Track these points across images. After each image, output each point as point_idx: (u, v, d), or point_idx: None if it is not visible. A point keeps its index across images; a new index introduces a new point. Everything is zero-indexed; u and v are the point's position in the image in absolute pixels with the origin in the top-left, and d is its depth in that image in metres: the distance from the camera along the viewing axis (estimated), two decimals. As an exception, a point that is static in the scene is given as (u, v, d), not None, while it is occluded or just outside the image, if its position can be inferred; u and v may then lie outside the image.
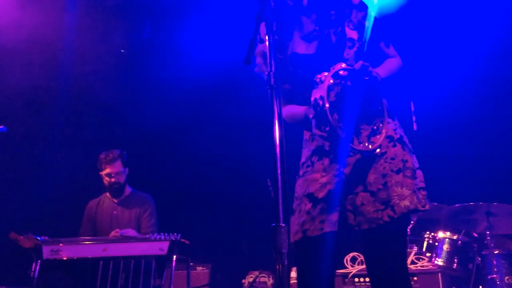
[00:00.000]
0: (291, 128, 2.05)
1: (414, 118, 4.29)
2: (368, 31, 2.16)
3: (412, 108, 4.34)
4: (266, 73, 1.66)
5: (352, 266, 3.75)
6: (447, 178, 4.60)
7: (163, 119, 5.04)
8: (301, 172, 2.08)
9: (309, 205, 1.97)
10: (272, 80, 1.65)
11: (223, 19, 4.69)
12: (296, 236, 1.96)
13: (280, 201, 1.54)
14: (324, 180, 1.97)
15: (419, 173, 1.99)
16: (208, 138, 5.17)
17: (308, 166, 2.05)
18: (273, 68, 1.66)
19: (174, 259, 3.44)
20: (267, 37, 1.70)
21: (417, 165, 2.02)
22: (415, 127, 4.28)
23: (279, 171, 1.58)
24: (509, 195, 3.97)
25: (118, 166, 3.89)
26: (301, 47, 2.11)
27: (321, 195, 1.96)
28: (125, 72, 5.18)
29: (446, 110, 4.83)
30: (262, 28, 1.77)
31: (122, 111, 5.19)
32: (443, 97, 4.77)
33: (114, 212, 3.97)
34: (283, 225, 1.52)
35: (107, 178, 3.92)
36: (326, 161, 2.00)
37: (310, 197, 1.97)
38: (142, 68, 5.27)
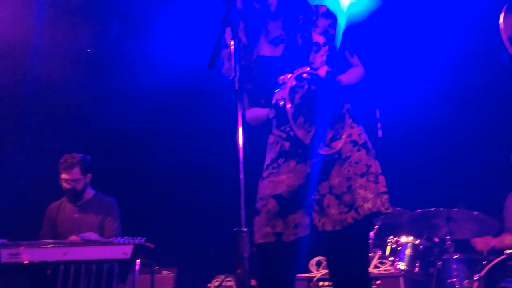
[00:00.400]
0: (254, 133, 2.07)
1: (379, 125, 4.39)
2: (334, 38, 2.21)
3: (378, 116, 4.45)
4: (231, 77, 1.67)
5: (317, 270, 3.79)
6: (411, 184, 4.70)
7: (130, 122, 4.98)
8: (265, 174, 2.09)
9: (276, 207, 1.98)
10: (237, 84, 1.66)
11: (193, 23, 4.67)
12: (266, 239, 1.97)
13: (242, 206, 1.55)
14: (291, 181, 2.00)
15: (382, 178, 2.04)
16: (174, 141, 5.14)
17: (274, 168, 2.07)
18: (237, 73, 1.67)
19: (138, 263, 3.39)
20: (232, 42, 1.71)
21: (380, 171, 2.07)
22: (380, 134, 4.38)
23: (241, 175, 1.59)
24: (468, 201, 4.10)
25: (75, 173, 3.82)
26: (267, 50, 2.13)
27: (288, 196, 1.98)
28: (91, 73, 5.09)
29: (409, 116, 4.94)
30: (228, 32, 1.78)
31: (88, 112, 5.10)
32: (407, 104, 4.89)
33: (75, 215, 3.89)
34: (245, 229, 1.53)
35: (63, 183, 3.85)
36: (292, 163, 2.02)
37: (278, 198, 1.99)
38: (110, 69, 5.19)
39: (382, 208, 1.97)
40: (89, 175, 3.94)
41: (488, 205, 4.27)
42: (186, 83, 4.88)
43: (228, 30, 1.74)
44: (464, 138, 4.92)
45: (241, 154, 1.59)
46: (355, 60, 2.23)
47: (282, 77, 1.92)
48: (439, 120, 4.94)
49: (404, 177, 4.64)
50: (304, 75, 1.94)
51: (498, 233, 4.20)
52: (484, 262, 3.70)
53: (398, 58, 4.90)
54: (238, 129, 1.62)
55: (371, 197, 1.96)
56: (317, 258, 3.82)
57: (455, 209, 3.82)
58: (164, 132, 5.22)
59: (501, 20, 1.75)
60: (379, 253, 3.96)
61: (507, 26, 1.73)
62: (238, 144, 1.61)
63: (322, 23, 2.19)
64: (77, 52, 4.96)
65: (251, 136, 1.76)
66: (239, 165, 1.59)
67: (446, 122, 4.94)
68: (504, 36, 1.70)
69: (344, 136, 1.99)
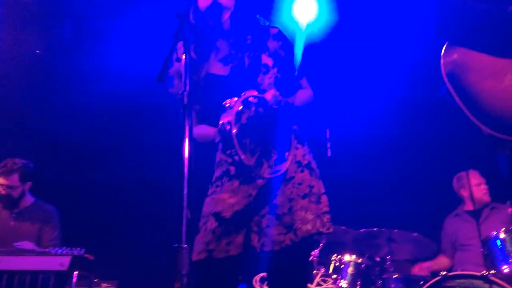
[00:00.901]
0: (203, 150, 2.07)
1: (328, 145, 4.48)
2: (284, 60, 2.22)
3: (328, 135, 4.53)
4: (180, 92, 1.66)
5: (261, 287, 3.79)
6: (355, 204, 4.82)
7: (75, 130, 4.83)
8: (210, 191, 2.09)
9: (215, 224, 1.98)
10: (185, 99, 1.65)
11: (148, 30, 4.61)
12: (200, 256, 1.95)
13: (184, 222, 1.54)
14: (232, 201, 2.00)
15: (324, 198, 2.08)
16: (118, 152, 5.02)
17: (217, 186, 2.07)
18: (187, 88, 1.67)
19: (75, 275, 3.26)
20: (183, 56, 1.71)
21: (323, 190, 2.10)
22: (329, 153, 4.46)
23: (185, 191, 1.58)
24: (409, 223, 4.25)
25: (13, 179, 3.67)
26: (216, 68, 2.14)
27: (228, 215, 1.98)
28: (40, 76, 4.90)
29: (356, 135, 5.07)
30: (180, 46, 1.78)
31: (33, 117, 4.90)
32: (354, 124, 5.02)
33: (11, 223, 3.71)
34: (185, 246, 1.52)
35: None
36: (235, 183, 2.03)
37: (217, 216, 1.99)
38: (60, 72, 5.02)
39: (323, 229, 2.00)
40: (29, 183, 3.78)
41: (427, 227, 4.45)
42: (137, 91, 4.78)
43: (180, 44, 1.74)
44: (407, 161, 5.11)
45: (186, 170, 1.58)
46: (303, 82, 2.26)
47: (228, 101, 1.91)
48: (384, 142, 5.10)
49: (349, 197, 4.77)
50: (251, 99, 1.95)
51: (435, 254, 4.39)
52: (421, 283, 3.82)
53: (349, 78, 5.04)
54: (185, 144, 1.61)
55: (311, 218, 1.99)
56: (261, 275, 3.83)
57: (395, 230, 3.96)
58: (108, 142, 5.08)
59: (442, 54, 1.84)
60: (322, 270, 4.02)
61: (447, 62, 1.82)
62: (184, 160, 1.60)
63: (273, 44, 2.22)
64: (26, 54, 4.77)
65: (199, 151, 1.76)
66: (183, 181, 1.58)
67: (390, 144, 5.11)
68: (443, 71, 1.80)
69: (289, 158, 2.01)
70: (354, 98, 5.04)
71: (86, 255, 3.30)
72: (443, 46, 1.84)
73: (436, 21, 1.86)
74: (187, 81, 1.67)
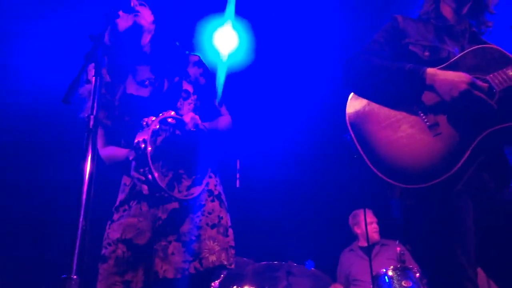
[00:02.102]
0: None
1: (238, 176, 4.51)
2: (204, 87, 2.26)
3: (238, 166, 4.57)
4: (87, 115, 1.60)
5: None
6: (258, 236, 4.90)
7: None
8: (116, 217, 2.02)
9: (128, 253, 1.91)
10: (91, 123, 1.60)
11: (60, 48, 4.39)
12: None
13: (76, 251, 1.46)
14: (141, 225, 1.95)
15: (231, 231, 2.10)
16: (23, 165, 4.70)
17: (124, 210, 2.01)
18: (94, 111, 1.61)
19: None
20: (94, 79, 1.66)
21: (229, 224, 2.12)
22: (238, 184, 4.50)
23: (81, 218, 1.50)
24: (307, 257, 4.39)
25: None
26: (135, 90, 2.12)
27: (140, 241, 1.93)
28: None
29: (265, 171, 5.19)
30: (91, 68, 1.72)
31: None
32: (262, 160, 5.14)
33: None
34: (75, 277, 1.43)
35: None
36: (144, 206, 1.98)
37: (129, 243, 1.93)
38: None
39: (226, 263, 2.01)
40: None
41: (325, 261, 4.62)
42: (42, 110, 4.49)
43: (92, 66, 1.69)
44: (309, 198, 5.32)
45: (84, 197, 1.51)
46: (223, 109, 2.29)
47: (146, 119, 1.89)
48: (289, 180, 5.27)
49: (252, 229, 4.83)
50: (169, 119, 1.95)
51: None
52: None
53: (260, 113, 5.18)
54: (86, 170, 1.54)
55: (217, 249, 1.99)
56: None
57: (295, 264, 4.06)
58: (17, 155, 4.73)
59: (347, 105, 1.99)
60: (221, 301, 3.99)
61: (350, 113, 1.96)
62: (84, 187, 1.53)
63: (193, 71, 2.24)
64: None
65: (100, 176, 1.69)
66: (81, 209, 1.50)
67: (294, 181, 5.29)
68: (347, 120, 1.93)
69: (204, 182, 2.01)
70: (263, 133, 5.17)
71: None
72: (348, 97, 1.99)
73: (343, 74, 1.99)
74: (95, 105, 1.62)
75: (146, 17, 2.17)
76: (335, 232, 5.07)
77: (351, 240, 4.78)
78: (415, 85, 1.84)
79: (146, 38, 2.16)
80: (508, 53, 1.91)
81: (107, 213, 2.10)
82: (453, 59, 1.93)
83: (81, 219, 1.50)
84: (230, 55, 4.31)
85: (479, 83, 1.78)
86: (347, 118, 1.95)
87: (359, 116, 1.94)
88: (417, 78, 1.84)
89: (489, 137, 1.77)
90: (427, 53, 1.97)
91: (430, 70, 1.84)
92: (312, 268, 4.13)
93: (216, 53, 4.20)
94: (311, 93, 5.02)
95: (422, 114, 1.85)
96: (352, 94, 2.02)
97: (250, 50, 4.38)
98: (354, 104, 1.98)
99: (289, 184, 5.26)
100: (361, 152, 1.86)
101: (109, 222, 2.04)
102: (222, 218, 2.07)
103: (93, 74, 1.67)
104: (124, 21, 2.09)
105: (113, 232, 1.97)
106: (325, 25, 4.16)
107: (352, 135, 1.91)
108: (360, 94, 1.99)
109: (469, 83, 1.76)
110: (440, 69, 1.90)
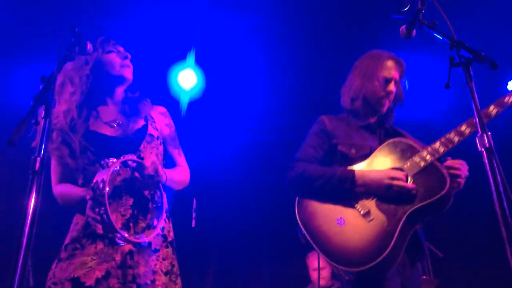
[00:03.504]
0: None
1: (194, 215, 4.50)
2: (167, 137, 2.31)
3: (194, 206, 4.57)
4: (33, 157, 1.59)
5: None
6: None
7: None
8: (64, 255, 1.97)
9: None
10: (37, 165, 1.59)
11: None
12: None
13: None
14: (93, 264, 1.91)
15: (179, 280, 2.09)
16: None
17: (76, 249, 1.97)
18: (41, 153, 1.61)
19: None
20: (43, 121, 1.66)
21: (178, 272, 2.11)
22: (193, 224, 4.48)
23: (21, 255, 1.47)
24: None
25: None
26: (99, 129, 2.13)
27: (88, 282, 1.88)
28: None
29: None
30: (41, 110, 1.73)
31: None
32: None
33: None
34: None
35: None
36: (99, 245, 1.96)
37: (76, 282, 1.88)
38: None
39: None
40: None
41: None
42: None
43: (42, 109, 1.69)
44: (262, 245, 5.32)
45: (24, 240, 1.48)
46: (182, 159, 2.33)
47: (107, 160, 1.90)
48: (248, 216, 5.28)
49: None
50: (130, 162, 1.96)
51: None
52: None
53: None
54: (29, 212, 1.52)
55: None
56: None
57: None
58: None
59: (295, 206, 2.25)
60: None
61: (300, 212, 2.22)
62: (26, 227, 1.50)
63: (159, 120, 2.31)
64: None
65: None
66: (21, 248, 1.47)
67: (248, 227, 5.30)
68: (298, 219, 2.20)
69: (158, 227, 2.01)
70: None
71: None
72: (295, 201, 2.26)
73: (288, 182, 2.30)
74: (43, 147, 1.62)
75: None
76: (294, 272, 5.07)
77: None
78: (347, 186, 2.17)
79: (124, 86, 2.25)
80: (414, 144, 2.25)
81: (52, 252, 2.06)
82: (373, 154, 2.27)
83: (20, 256, 1.46)
84: (191, 92, 4.62)
85: (398, 174, 2.13)
86: (297, 217, 2.21)
87: (306, 214, 2.20)
88: (349, 181, 2.17)
89: (410, 217, 2.06)
90: (353, 151, 2.29)
91: (358, 173, 2.19)
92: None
93: (181, 90, 4.63)
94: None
95: (356, 205, 2.15)
96: (297, 197, 2.27)
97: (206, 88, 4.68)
98: (302, 205, 2.25)
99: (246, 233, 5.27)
100: (314, 246, 2.11)
101: (56, 261, 1.99)
102: (174, 265, 2.07)
103: (43, 116, 1.68)
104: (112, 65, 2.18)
105: (60, 271, 1.93)
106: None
107: (303, 230, 2.16)
108: (305, 196, 2.27)
109: (390, 178, 2.12)
110: (366, 165, 2.25)
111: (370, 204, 2.14)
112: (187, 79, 4.62)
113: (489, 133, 1.51)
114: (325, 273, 4.52)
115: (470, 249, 4.80)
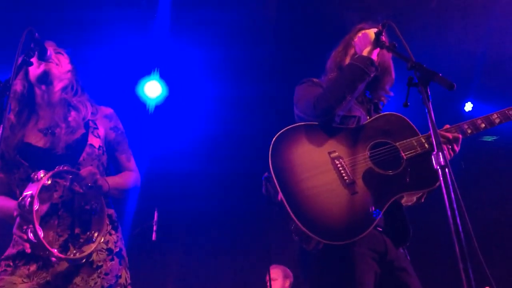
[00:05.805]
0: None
1: (155, 228, 4.35)
2: (112, 141, 2.19)
3: (155, 217, 4.40)
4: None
5: None
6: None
7: None
8: None
9: None
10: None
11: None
12: None
13: None
14: (24, 286, 1.82)
15: None
16: None
17: (8, 266, 1.87)
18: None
19: None
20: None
21: (129, 281, 2.05)
22: (154, 237, 4.33)
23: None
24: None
25: None
26: (34, 138, 2.03)
27: None
28: None
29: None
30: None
31: None
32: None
33: None
34: None
35: None
36: (33, 267, 1.86)
37: None
38: None
39: None
40: None
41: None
42: None
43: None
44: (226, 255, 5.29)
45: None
46: (131, 164, 2.22)
47: (35, 173, 1.79)
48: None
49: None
50: (64, 174, 1.86)
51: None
52: None
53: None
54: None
55: None
56: None
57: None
58: None
59: (271, 148, 1.93)
60: None
61: (275, 157, 1.90)
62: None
63: (104, 124, 2.17)
64: None
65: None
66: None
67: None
68: (271, 164, 1.88)
69: (97, 240, 1.92)
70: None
71: None
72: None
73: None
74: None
75: (61, 65, 2.12)
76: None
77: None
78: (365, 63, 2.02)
79: (56, 86, 2.10)
80: (413, 125, 2.10)
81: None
82: (365, 122, 2.08)
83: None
84: (156, 100, 4.89)
85: None
86: (270, 162, 1.87)
87: (283, 162, 1.90)
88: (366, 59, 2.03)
89: (396, 202, 1.90)
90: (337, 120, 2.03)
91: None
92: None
93: (147, 99, 4.86)
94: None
95: (342, 170, 1.90)
96: (276, 137, 1.95)
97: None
98: (279, 148, 1.93)
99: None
100: (284, 200, 1.79)
101: None
102: (120, 277, 1.99)
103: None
104: (35, 69, 2.04)
105: None
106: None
107: (275, 181, 1.84)
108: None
109: None
110: (353, 129, 2.04)
111: (356, 173, 1.91)
112: (152, 89, 4.85)
113: (445, 151, 1.53)
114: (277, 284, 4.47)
115: (428, 266, 4.90)
